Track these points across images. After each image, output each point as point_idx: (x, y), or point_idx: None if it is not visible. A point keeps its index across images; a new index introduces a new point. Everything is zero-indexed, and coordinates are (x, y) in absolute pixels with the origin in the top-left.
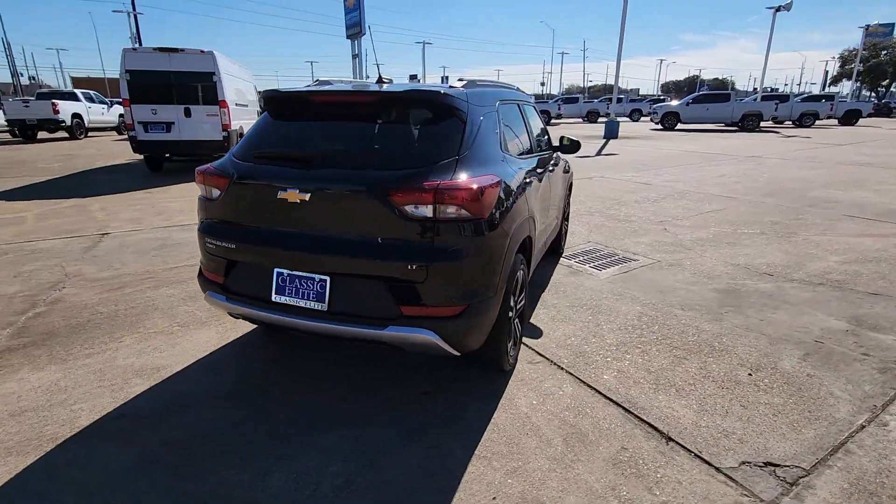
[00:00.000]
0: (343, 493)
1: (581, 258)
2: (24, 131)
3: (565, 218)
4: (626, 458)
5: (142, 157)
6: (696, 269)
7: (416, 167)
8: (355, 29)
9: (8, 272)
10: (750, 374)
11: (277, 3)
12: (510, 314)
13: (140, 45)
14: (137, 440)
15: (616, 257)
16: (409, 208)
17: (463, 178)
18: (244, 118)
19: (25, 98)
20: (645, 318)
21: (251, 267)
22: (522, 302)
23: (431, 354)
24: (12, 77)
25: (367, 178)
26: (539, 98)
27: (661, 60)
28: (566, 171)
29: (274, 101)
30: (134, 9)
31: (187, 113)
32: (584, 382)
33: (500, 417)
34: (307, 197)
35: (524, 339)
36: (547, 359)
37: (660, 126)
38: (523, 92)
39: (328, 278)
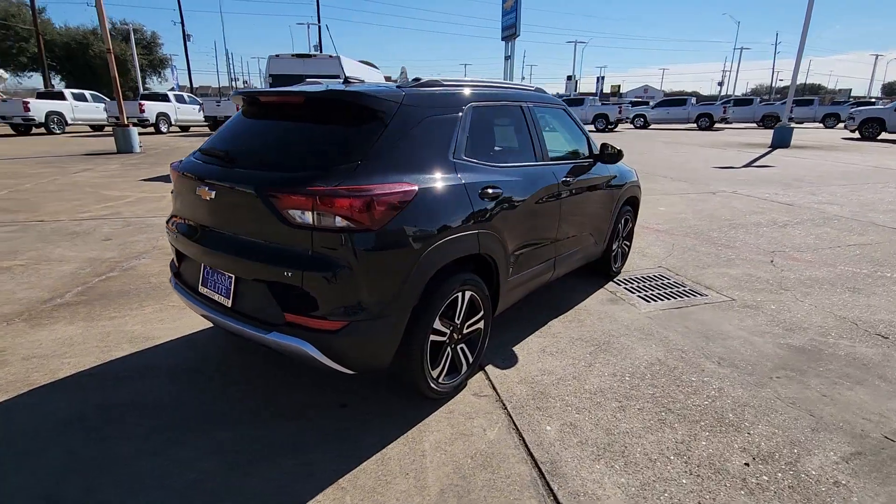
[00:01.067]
0: (186, 491)
1: (634, 285)
2: (216, 126)
3: (625, 237)
4: None
5: None
6: (778, 317)
7: (313, 170)
8: (510, 31)
9: (118, 241)
10: (746, 465)
11: (435, 8)
12: (439, 339)
13: (321, 51)
14: (83, 398)
15: (680, 289)
16: (294, 213)
17: (356, 184)
18: None
19: (218, 98)
20: (659, 366)
21: (189, 259)
22: (476, 327)
23: (319, 368)
24: (230, 81)
25: (256, 179)
26: (705, 100)
27: (877, 56)
28: (615, 184)
29: (240, 100)
30: (319, 21)
31: None
32: (516, 429)
33: (394, 449)
34: (213, 195)
35: (490, 367)
36: (497, 393)
37: (857, 135)
38: (544, 92)
39: (233, 276)
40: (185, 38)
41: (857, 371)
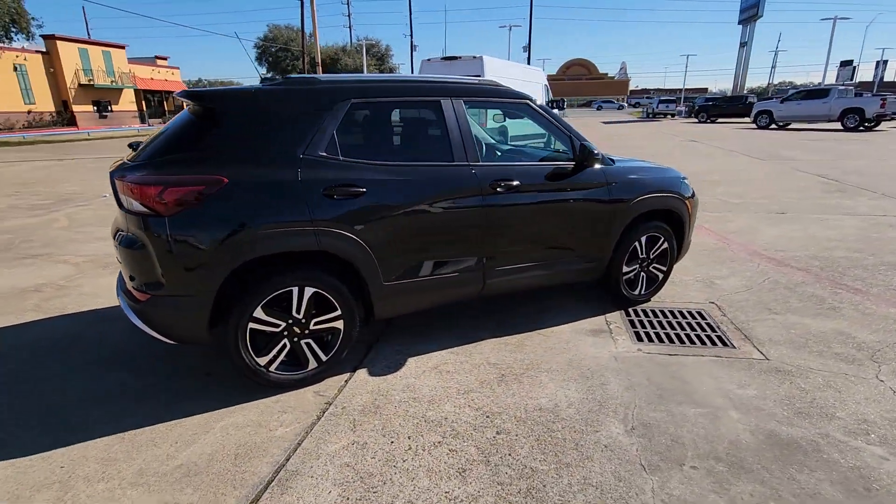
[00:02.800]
0: (38, 410)
1: (647, 318)
2: None
3: (654, 260)
4: None
5: None
6: (805, 395)
7: (145, 161)
8: (751, 11)
9: None
10: None
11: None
12: (268, 329)
13: (529, 53)
14: (71, 328)
15: (707, 333)
16: (121, 197)
17: (157, 174)
18: None
19: None
20: (544, 414)
21: None
22: (330, 326)
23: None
24: None
25: (115, 169)
26: None
27: None
28: (615, 193)
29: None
30: (531, 22)
31: None
32: (307, 434)
33: (194, 420)
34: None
35: (362, 371)
36: (336, 397)
37: None
38: (496, 86)
39: None
40: (412, 48)
41: (837, 493)
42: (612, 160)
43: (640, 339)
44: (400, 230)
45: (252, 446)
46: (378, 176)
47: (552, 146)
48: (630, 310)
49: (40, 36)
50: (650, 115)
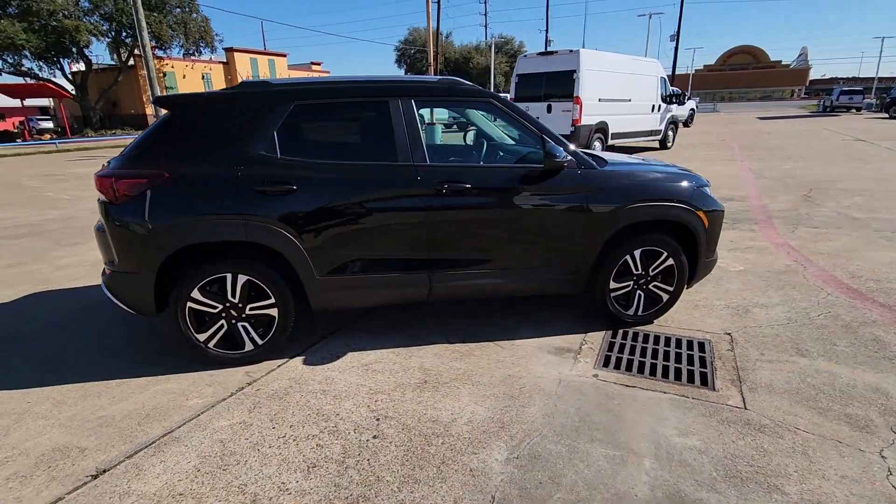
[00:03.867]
0: (33, 363)
1: (630, 342)
2: None
3: (654, 277)
4: None
5: None
6: (750, 456)
7: (119, 156)
8: None
9: None
10: None
11: None
12: (205, 309)
13: (677, 43)
14: (84, 300)
15: (690, 368)
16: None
17: (113, 168)
18: (610, 113)
19: None
20: (438, 427)
21: None
22: (265, 312)
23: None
24: None
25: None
26: None
27: None
28: (597, 199)
29: None
30: (681, 11)
31: (549, 109)
32: (211, 409)
33: (139, 381)
34: None
35: (298, 358)
36: (260, 378)
37: None
38: (459, 83)
39: None
40: (547, 43)
41: None
42: (605, 161)
43: (606, 364)
44: (332, 226)
45: (163, 410)
46: (311, 174)
47: (530, 147)
48: (621, 331)
49: (222, 49)
50: (827, 109)
